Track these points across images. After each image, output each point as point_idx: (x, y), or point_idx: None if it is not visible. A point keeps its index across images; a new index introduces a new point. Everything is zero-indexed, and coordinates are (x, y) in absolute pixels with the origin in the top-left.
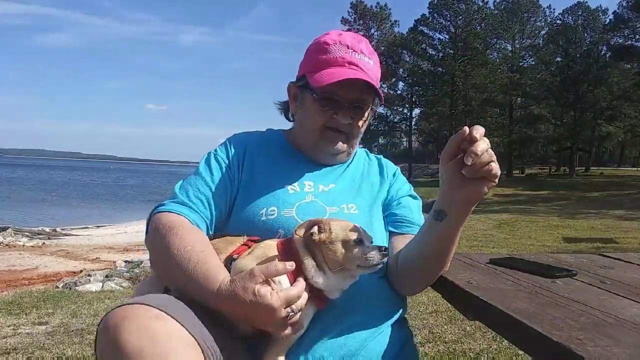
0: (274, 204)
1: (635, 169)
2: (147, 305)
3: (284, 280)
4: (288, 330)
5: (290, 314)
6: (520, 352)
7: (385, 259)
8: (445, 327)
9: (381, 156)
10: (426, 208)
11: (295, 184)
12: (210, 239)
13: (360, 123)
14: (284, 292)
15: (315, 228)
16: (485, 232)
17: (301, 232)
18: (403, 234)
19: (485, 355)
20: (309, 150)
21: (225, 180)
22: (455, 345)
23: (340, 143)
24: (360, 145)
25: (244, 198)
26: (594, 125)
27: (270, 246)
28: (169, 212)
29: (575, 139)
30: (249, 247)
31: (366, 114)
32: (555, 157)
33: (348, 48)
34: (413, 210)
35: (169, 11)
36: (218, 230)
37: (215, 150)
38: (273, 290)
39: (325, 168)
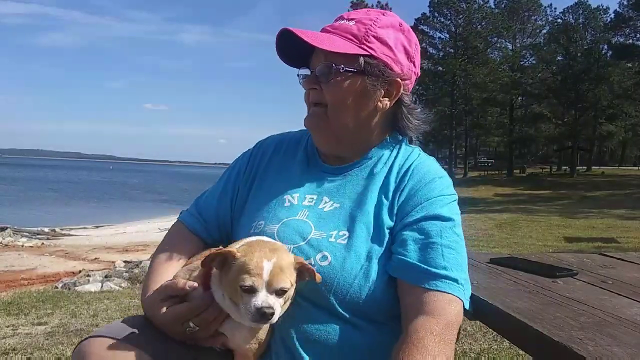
0: (263, 217)
1: (637, 168)
2: (104, 337)
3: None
4: (211, 342)
5: (187, 329)
6: (521, 352)
7: (262, 323)
8: None
9: (421, 156)
10: None
11: (296, 195)
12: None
13: (328, 88)
14: (172, 308)
15: (217, 262)
16: (486, 231)
17: (202, 263)
18: (403, 280)
19: (486, 356)
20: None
21: (232, 187)
22: (455, 346)
23: (312, 114)
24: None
25: (248, 207)
26: (595, 125)
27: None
28: (178, 220)
29: (576, 138)
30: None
31: (335, 76)
32: (556, 156)
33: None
34: (405, 241)
35: (169, 10)
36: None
37: (239, 157)
38: (167, 308)
39: (343, 177)
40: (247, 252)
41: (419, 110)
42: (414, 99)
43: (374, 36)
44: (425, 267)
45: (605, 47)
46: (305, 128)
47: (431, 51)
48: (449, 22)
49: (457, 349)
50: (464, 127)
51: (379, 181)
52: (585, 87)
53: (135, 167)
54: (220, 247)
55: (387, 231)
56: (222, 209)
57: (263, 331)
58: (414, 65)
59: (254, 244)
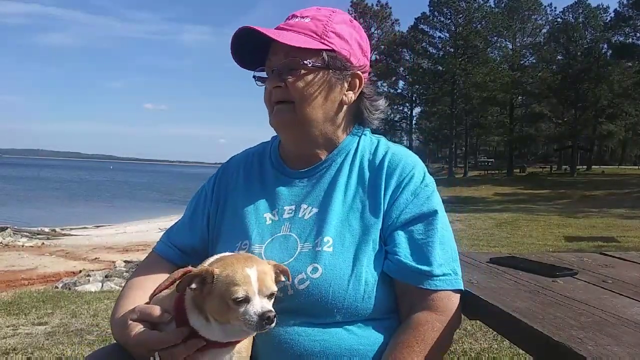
0: (247, 237)
1: (637, 167)
2: None
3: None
4: None
5: (152, 359)
6: (521, 351)
7: (266, 329)
8: None
9: (391, 148)
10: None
11: (275, 211)
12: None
13: (296, 83)
14: (140, 334)
15: (196, 283)
16: (486, 231)
17: (177, 286)
18: (403, 282)
19: (486, 355)
20: (287, 152)
21: (202, 213)
22: (455, 345)
23: (278, 111)
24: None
25: (226, 229)
26: (595, 124)
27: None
28: (152, 251)
29: (576, 138)
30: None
31: (301, 72)
32: (556, 155)
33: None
34: (400, 243)
35: (169, 10)
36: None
37: (204, 184)
38: (138, 331)
39: (314, 179)
40: (225, 266)
41: (380, 101)
42: (373, 88)
43: (332, 32)
44: (425, 268)
45: (605, 46)
46: (262, 142)
47: (431, 50)
48: (449, 21)
49: (457, 348)
50: (464, 127)
51: (353, 177)
52: (585, 86)
53: (135, 167)
54: (190, 267)
55: (374, 229)
56: (195, 236)
57: (247, 352)
58: (367, 58)
59: (227, 258)
